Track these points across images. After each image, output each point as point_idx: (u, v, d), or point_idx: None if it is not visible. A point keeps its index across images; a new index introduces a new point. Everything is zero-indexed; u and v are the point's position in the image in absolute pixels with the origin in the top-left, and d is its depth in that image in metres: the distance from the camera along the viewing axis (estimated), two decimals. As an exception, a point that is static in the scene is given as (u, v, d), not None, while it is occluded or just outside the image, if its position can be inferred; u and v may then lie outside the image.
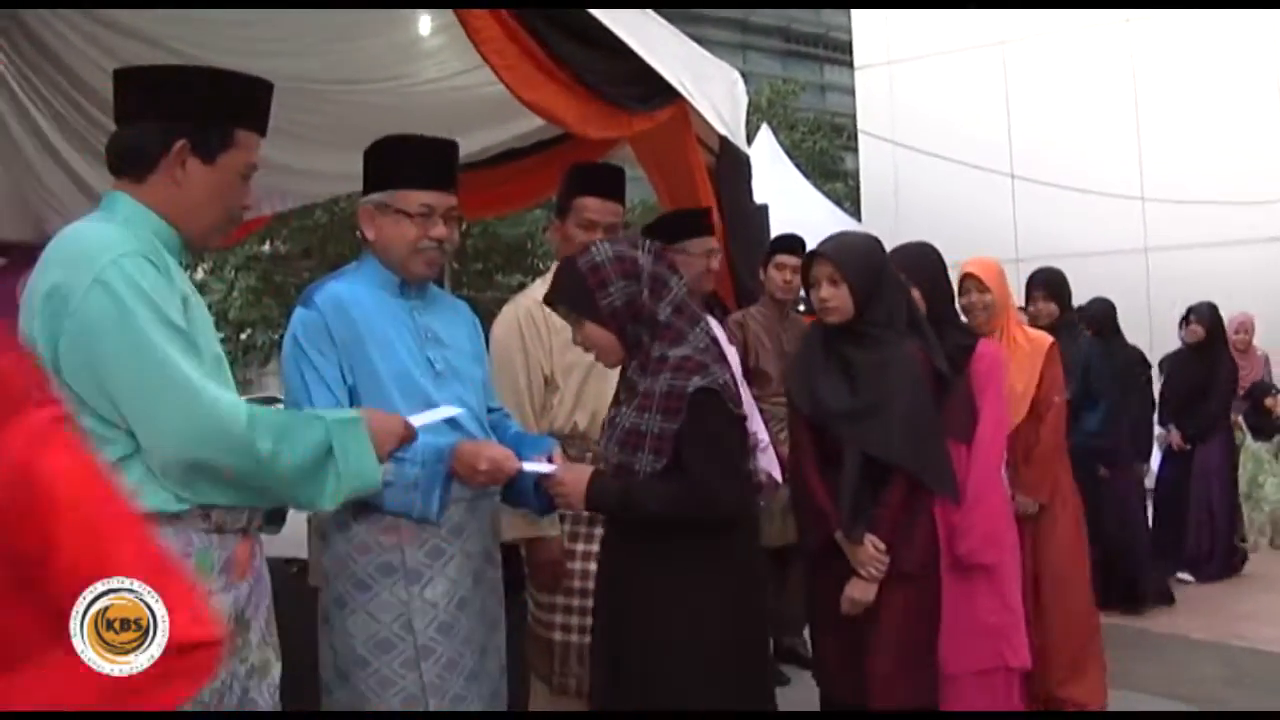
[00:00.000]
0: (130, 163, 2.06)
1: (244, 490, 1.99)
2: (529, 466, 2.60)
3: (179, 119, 2.03)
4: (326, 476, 2.05)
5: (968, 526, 3.44)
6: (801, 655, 5.39)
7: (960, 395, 3.46)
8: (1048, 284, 5.53)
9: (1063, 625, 4.18)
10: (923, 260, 3.69)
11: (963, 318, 4.10)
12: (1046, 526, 4.28)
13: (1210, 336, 7.16)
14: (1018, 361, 4.21)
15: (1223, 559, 7.32)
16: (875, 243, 3.29)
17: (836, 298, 3.12)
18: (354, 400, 2.55)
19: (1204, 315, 7.16)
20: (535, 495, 2.76)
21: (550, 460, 2.65)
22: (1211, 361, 7.06)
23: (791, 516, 5.05)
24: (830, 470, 3.15)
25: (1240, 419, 7.92)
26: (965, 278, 4.28)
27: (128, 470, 1.91)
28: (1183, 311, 7.88)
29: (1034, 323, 5.26)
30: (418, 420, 2.37)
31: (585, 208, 3.29)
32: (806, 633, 5.38)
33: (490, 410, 2.85)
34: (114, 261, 1.89)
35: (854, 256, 3.15)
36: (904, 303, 3.21)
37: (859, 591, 3.09)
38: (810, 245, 4.87)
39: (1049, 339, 4.38)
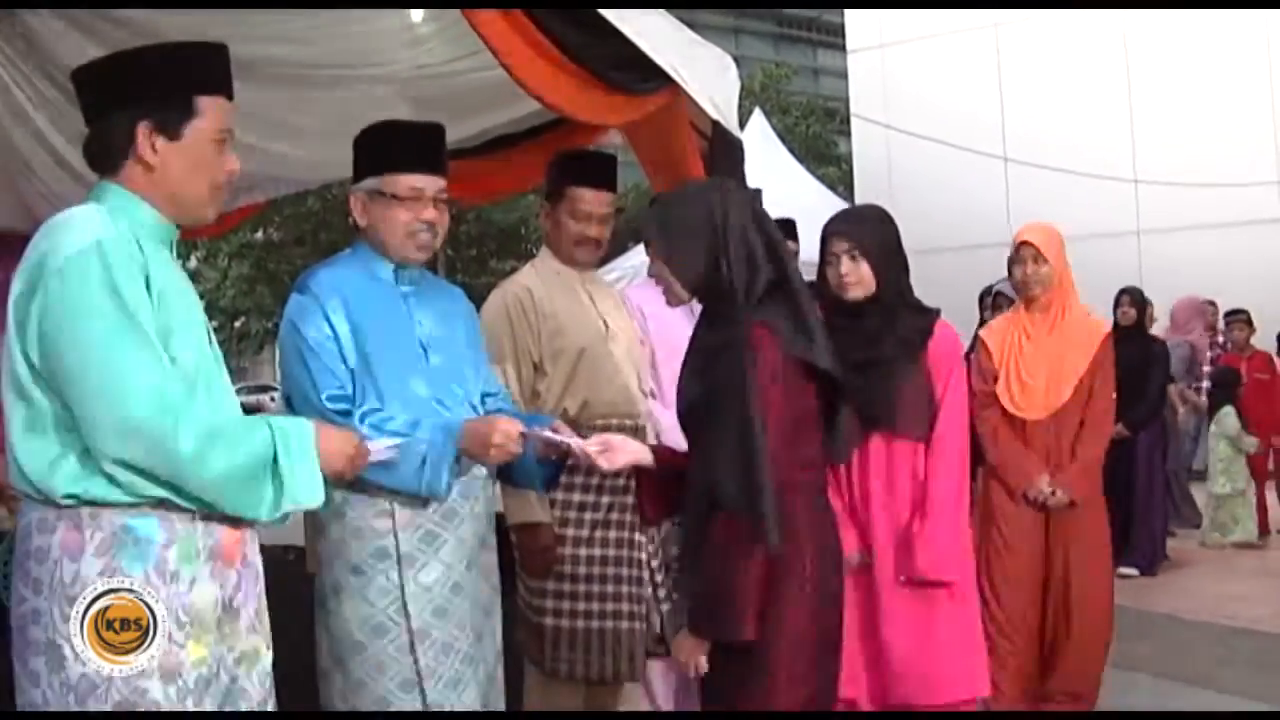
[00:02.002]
0: (105, 158, 2.06)
1: (176, 491, 1.93)
2: (545, 433, 2.59)
3: (137, 103, 2.02)
4: (265, 486, 1.97)
5: (926, 538, 3.03)
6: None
7: (915, 386, 3.08)
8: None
9: (1081, 632, 3.93)
10: (869, 228, 3.16)
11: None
12: (1077, 528, 3.96)
13: (1141, 319, 7.00)
14: (1069, 342, 3.97)
15: (1163, 548, 7.19)
16: (702, 187, 2.70)
17: (660, 269, 2.53)
18: (353, 381, 2.56)
19: (1136, 298, 6.98)
20: (539, 469, 2.78)
21: (554, 430, 2.64)
22: (1144, 344, 6.86)
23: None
24: None
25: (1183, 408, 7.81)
26: (1021, 246, 3.99)
27: None
28: (1176, 294, 7.90)
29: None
30: (374, 446, 2.32)
31: (578, 198, 3.31)
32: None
33: (489, 395, 2.86)
34: (79, 251, 1.88)
35: (664, 211, 2.59)
36: (762, 264, 2.44)
37: (686, 651, 2.47)
38: (801, 230, 4.89)
39: (1106, 327, 4.12)
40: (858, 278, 3.06)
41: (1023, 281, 4.03)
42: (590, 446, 2.53)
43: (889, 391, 3.04)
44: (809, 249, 5.29)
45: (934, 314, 3.19)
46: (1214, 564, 7.32)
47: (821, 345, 2.45)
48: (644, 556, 3.32)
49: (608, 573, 3.20)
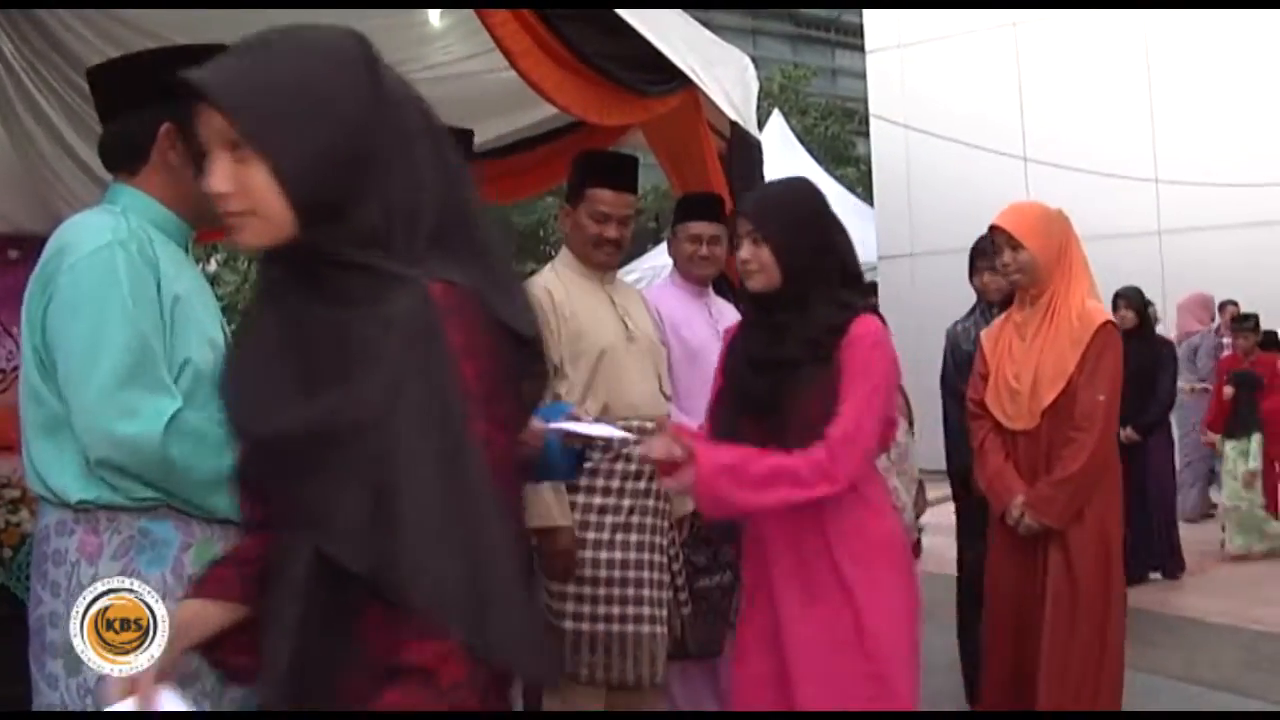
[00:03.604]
0: (122, 157, 2.07)
1: (161, 491, 1.95)
2: (559, 425, 2.45)
3: (159, 103, 2.00)
4: None
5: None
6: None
7: (820, 393, 2.55)
8: None
9: (1060, 665, 3.38)
10: (775, 207, 2.71)
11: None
12: (1062, 553, 3.42)
13: (1142, 321, 6.67)
14: (1061, 338, 3.45)
15: (1179, 555, 6.99)
16: (339, 40, 1.48)
17: (239, 170, 1.37)
18: None
19: (1133, 299, 6.67)
20: (563, 459, 2.71)
21: (575, 418, 2.55)
22: (1150, 346, 6.57)
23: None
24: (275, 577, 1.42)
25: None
26: (993, 231, 3.56)
27: None
28: (1189, 293, 7.79)
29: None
30: None
31: (599, 200, 3.30)
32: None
33: None
34: (92, 251, 1.90)
35: (258, 60, 1.41)
36: (412, 199, 1.40)
37: None
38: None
39: (1102, 317, 3.50)
40: (758, 264, 2.64)
41: (1002, 273, 3.62)
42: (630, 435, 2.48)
43: (786, 398, 2.58)
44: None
45: (855, 310, 2.64)
46: (1240, 568, 7.27)
47: (522, 306, 1.47)
48: (665, 560, 3.30)
49: (629, 576, 3.18)
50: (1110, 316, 3.55)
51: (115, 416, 1.87)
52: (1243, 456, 7.58)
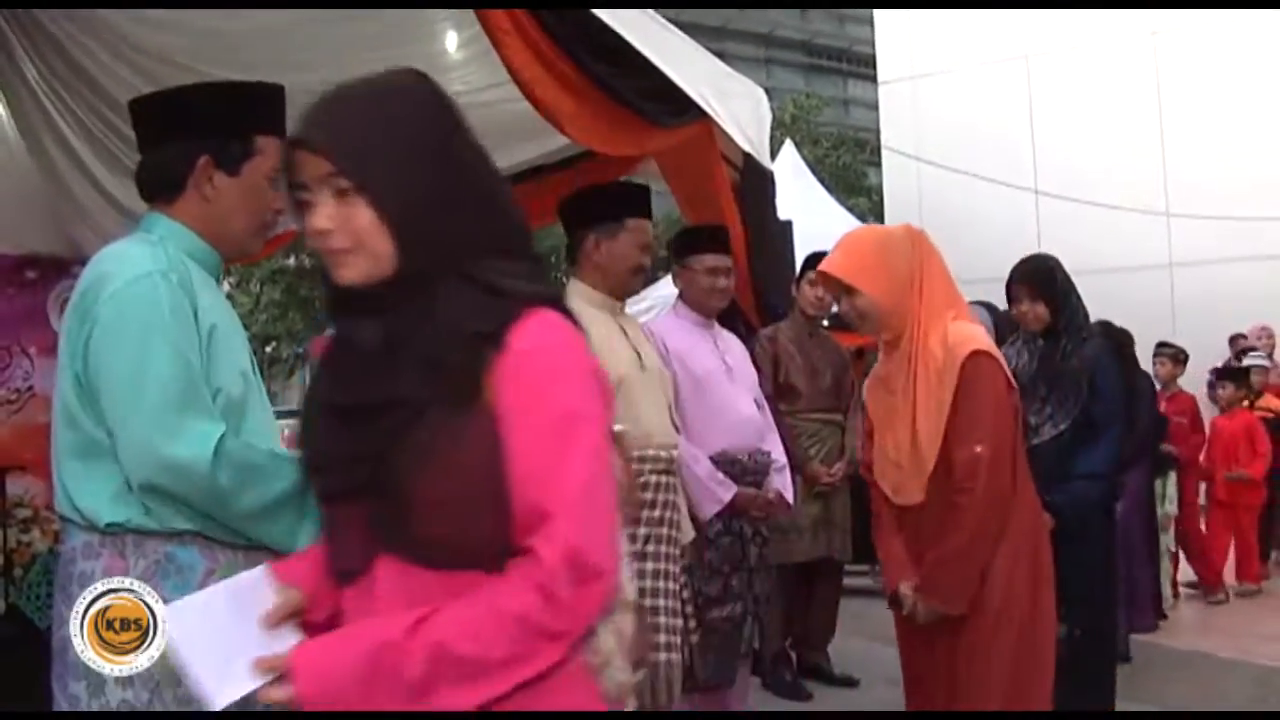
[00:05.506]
0: (159, 187, 2.11)
1: (206, 522, 1.98)
2: None
3: (198, 136, 2.08)
4: (297, 519, 1.99)
5: None
6: (825, 671, 5.39)
7: (456, 459, 1.34)
8: (1031, 279, 4.00)
9: None
10: (382, 124, 1.39)
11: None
12: (961, 639, 2.85)
13: (1117, 352, 5.90)
14: (931, 387, 2.83)
15: (1157, 606, 6.48)
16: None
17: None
18: None
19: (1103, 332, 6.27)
20: None
21: None
22: (1128, 378, 5.76)
23: (822, 532, 5.08)
24: None
25: None
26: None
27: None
28: (1209, 328, 7.72)
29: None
30: None
31: (644, 230, 3.41)
32: (830, 648, 5.41)
33: None
34: (134, 279, 1.94)
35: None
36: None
37: None
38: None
39: (968, 346, 2.83)
40: (352, 238, 1.42)
41: (848, 321, 3.07)
42: None
43: (399, 470, 1.35)
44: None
45: (520, 300, 1.41)
46: (1249, 604, 7.23)
47: None
48: (678, 588, 3.31)
49: (644, 604, 3.19)
50: (980, 344, 2.86)
51: (164, 440, 1.90)
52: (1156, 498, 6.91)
